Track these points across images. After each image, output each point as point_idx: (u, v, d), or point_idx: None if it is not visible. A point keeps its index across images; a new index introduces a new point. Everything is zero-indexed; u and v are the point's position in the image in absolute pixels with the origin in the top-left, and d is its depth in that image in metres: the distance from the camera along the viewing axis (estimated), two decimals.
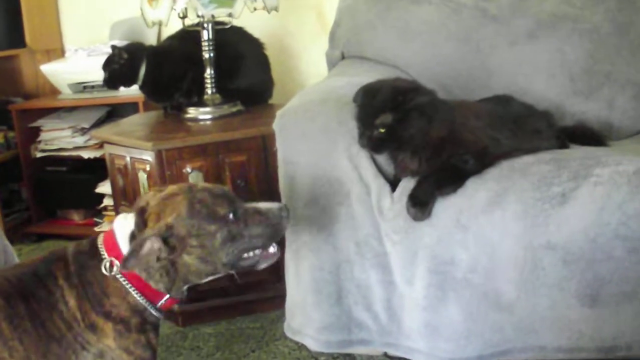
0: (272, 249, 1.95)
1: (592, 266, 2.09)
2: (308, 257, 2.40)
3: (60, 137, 4.13)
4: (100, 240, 1.86)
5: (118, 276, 1.81)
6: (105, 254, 1.82)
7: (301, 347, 2.73)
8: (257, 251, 1.92)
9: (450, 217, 2.17)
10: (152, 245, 1.74)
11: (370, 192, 2.28)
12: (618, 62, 2.89)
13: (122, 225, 1.86)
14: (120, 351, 1.81)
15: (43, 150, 4.18)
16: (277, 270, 2.96)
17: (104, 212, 4.02)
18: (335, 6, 3.40)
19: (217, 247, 1.82)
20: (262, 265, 1.96)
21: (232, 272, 1.92)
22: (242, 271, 1.95)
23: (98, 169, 3.96)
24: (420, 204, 2.16)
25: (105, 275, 1.81)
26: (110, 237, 1.85)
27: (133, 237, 1.81)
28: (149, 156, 2.88)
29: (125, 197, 3.12)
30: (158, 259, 1.76)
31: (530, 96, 2.73)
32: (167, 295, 1.87)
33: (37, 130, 4.21)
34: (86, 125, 4.10)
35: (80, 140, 4.08)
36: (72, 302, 1.78)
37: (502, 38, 3.00)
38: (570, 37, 2.93)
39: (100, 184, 3.99)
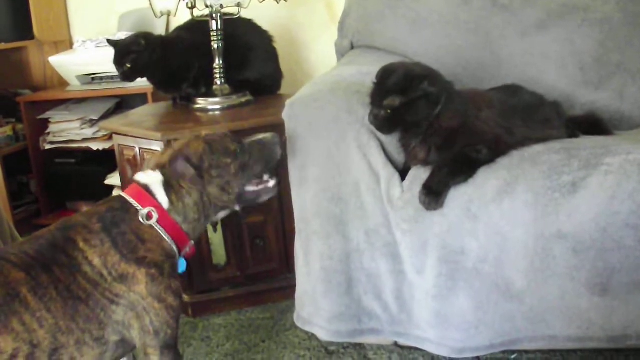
0: (272, 183, 2.19)
1: (602, 255, 2.09)
2: (318, 246, 2.40)
3: (69, 129, 4.13)
4: (126, 196, 2.00)
5: (155, 225, 1.96)
6: (139, 206, 1.96)
7: (311, 337, 2.73)
8: (260, 186, 2.16)
9: (461, 206, 2.17)
10: (186, 164, 2.00)
11: (379, 181, 2.28)
12: (629, 52, 2.88)
13: (150, 178, 2.03)
14: (151, 299, 1.90)
15: (52, 142, 4.18)
16: (286, 260, 2.99)
17: None
18: None
19: (232, 176, 2.07)
20: (264, 198, 2.19)
21: (239, 206, 2.15)
22: (247, 205, 2.18)
23: (107, 160, 3.97)
24: (435, 194, 2.16)
25: (140, 225, 1.95)
26: (140, 190, 2.00)
27: (167, 184, 2.01)
28: (158, 147, 2.87)
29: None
30: (193, 178, 2.00)
31: (541, 86, 2.73)
32: (191, 242, 2.08)
33: (45, 122, 4.21)
34: (95, 117, 4.11)
35: (89, 131, 4.09)
36: (96, 260, 1.85)
37: (512, 28, 2.99)
38: (581, 27, 2.92)
39: (110, 175, 4.00)
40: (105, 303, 1.84)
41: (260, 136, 2.21)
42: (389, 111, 2.14)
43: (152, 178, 2.02)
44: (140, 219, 1.94)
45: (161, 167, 2.04)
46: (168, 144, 2.78)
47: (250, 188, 2.13)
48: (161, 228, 1.97)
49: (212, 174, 2.04)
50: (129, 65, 3.24)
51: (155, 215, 1.96)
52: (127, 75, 3.29)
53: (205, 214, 2.08)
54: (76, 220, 1.93)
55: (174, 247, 2.00)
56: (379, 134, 2.27)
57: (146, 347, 1.94)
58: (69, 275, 1.81)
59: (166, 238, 1.97)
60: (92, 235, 1.88)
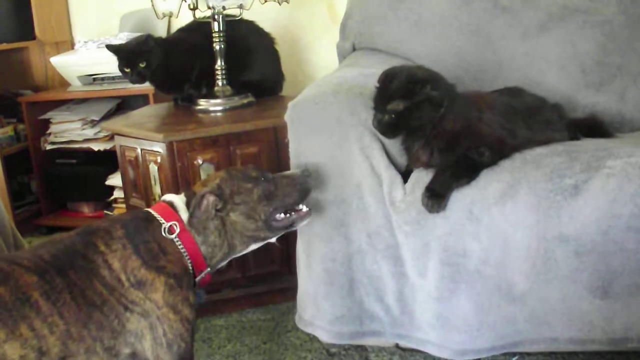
0: (305, 209, 2.20)
1: (604, 258, 2.09)
2: (319, 248, 2.40)
3: (70, 130, 4.13)
4: (152, 211, 2.02)
5: (175, 240, 1.97)
6: (163, 220, 1.99)
7: (313, 338, 2.74)
8: (292, 213, 2.17)
9: (463, 209, 2.17)
10: (208, 199, 2.01)
11: (382, 183, 2.28)
12: (630, 54, 2.88)
13: (174, 197, 2.08)
14: (167, 309, 1.89)
15: (53, 143, 4.19)
16: (288, 262, 2.99)
17: (114, 205, 4.03)
18: None
19: (256, 201, 2.08)
20: (298, 225, 2.21)
21: (272, 237, 2.17)
22: (280, 234, 2.20)
23: (108, 161, 3.97)
24: (437, 196, 2.16)
25: (163, 237, 1.96)
26: (165, 207, 2.04)
27: (188, 204, 2.04)
28: (160, 148, 2.88)
29: (136, 189, 3.13)
30: (215, 211, 2.02)
31: (542, 88, 2.74)
32: (207, 269, 2.05)
33: (46, 123, 4.22)
34: (96, 118, 4.11)
35: (90, 132, 4.09)
36: (116, 264, 1.86)
37: (513, 30, 2.99)
38: (582, 29, 2.92)
39: (111, 176, 4.01)
40: (119, 310, 1.82)
41: (288, 172, 2.23)
42: (392, 116, 2.14)
43: (177, 197, 2.08)
44: (163, 232, 1.96)
45: (186, 191, 2.11)
46: (170, 146, 2.80)
47: (281, 215, 2.14)
48: (180, 244, 1.97)
49: (235, 201, 2.05)
50: (142, 65, 3.24)
51: (177, 230, 1.97)
52: (142, 76, 3.29)
53: (228, 242, 2.08)
54: (98, 226, 1.94)
55: (190, 266, 2.00)
56: (381, 137, 2.27)
57: None
58: (85, 279, 1.80)
59: (184, 255, 1.98)
60: (114, 241, 1.89)
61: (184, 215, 2.02)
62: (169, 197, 2.09)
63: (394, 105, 2.14)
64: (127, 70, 3.26)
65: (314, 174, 2.30)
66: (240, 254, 2.16)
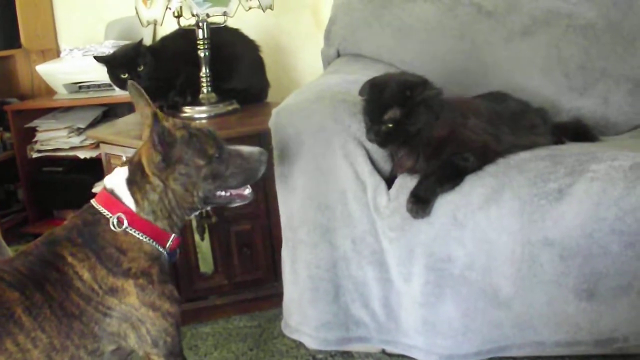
0: (247, 191, 2.08)
1: (589, 261, 2.10)
2: (304, 254, 2.40)
3: (56, 138, 4.12)
4: (96, 204, 1.92)
5: (128, 229, 1.88)
6: (108, 214, 1.89)
7: (299, 345, 2.72)
8: (233, 190, 2.05)
9: (447, 214, 2.17)
10: (154, 157, 1.88)
11: (366, 190, 2.28)
12: (612, 58, 2.90)
13: (114, 181, 1.94)
14: (145, 309, 1.86)
15: (39, 151, 4.17)
16: (274, 268, 2.99)
17: None
18: (331, 4, 3.40)
19: (200, 180, 1.94)
20: (235, 204, 2.09)
21: (207, 207, 2.08)
22: (217, 207, 2.13)
23: (94, 169, 3.95)
24: (422, 202, 2.16)
25: (116, 234, 1.88)
26: (107, 196, 1.92)
27: (130, 183, 1.92)
28: None
29: None
30: (157, 170, 1.88)
31: (526, 93, 2.74)
32: (172, 235, 1.97)
33: (33, 131, 4.19)
34: (82, 126, 4.09)
35: (76, 140, 4.07)
36: (85, 275, 1.81)
37: (497, 34, 3.00)
38: (565, 33, 2.94)
39: (97, 184, 3.98)
40: (98, 317, 1.81)
41: (246, 149, 2.06)
42: (389, 125, 2.14)
43: (116, 179, 1.94)
44: (112, 227, 1.87)
45: (129, 162, 1.97)
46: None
47: (221, 193, 2.03)
48: (135, 231, 1.89)
49: (179, 170, 1.91)
50: (140, 69, 3.23)
51: (125, 220, 1.88)
52: (142, 79, 3.23)
53: (175, 212, 1.97)
54: (59, 234, 1.89)
55: (156, 246, 1.93)
56: (368, 144, 2.27)
57: (149, 356, 1.91)
58: (62, 292, 1.78)
59: (144, 239, 1.90)
60: (78, 249, 1.84)
61: (128, 200, 1.90)
62: (109, 181, 1.95)
63: (392, 114, 2.14)
64: (125, 76, 3.24)
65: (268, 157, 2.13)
66: (189, 218, 2.09)
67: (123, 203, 1.90)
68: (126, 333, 1.86)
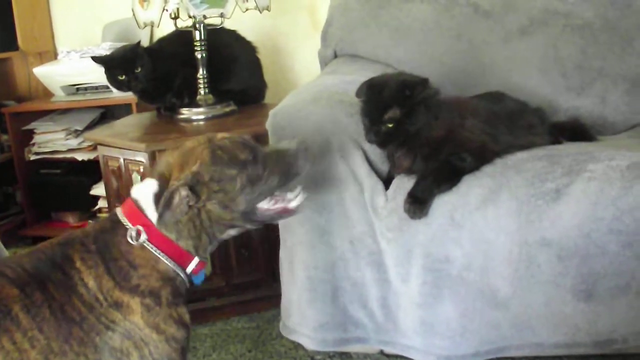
0: (293, 204, 1.92)
1: (586, 261, 2.10)
2: (302, 255, 2.40)
3: (54, 140, 4.11)
4: (119, 212, 1.83)
5: (146, 244, 1.78)
6: (129, 224, 1.79)
7: (297, 346, 2.72)
8: (278, 205, 1.90)
9: (445, 215, 2.17)
10: (180, 194, 1.73)
11: (363, 190, 2.28)
12: (609, 57, 2.90)
13: (142, 192, 1.83)
14: (149, 330, 1.76)
15: (37, 153, 4.17)
16: (272, 269, 2.98)
17: (99, 214, 4.02)
18: (327, 5, 3.40)
19: (237, 190, 1.80)
20: (281, 219, 1.99)
21: (248, 225, 1.89)
22: (262, 224, 1.92)
23: (92, 171, 3.95)
24: (420, 202, 2.16)
25: (132, 247, 1.78)
26: (131, 206, 1.82)
27: (158, 198, 1.77)
28: (142, 157, 2.87)
29: (120, 198, 3.11)
30: (188, 207, 1.75)
31: (524, 92, 2.73)
32: (196, 259, 1.85)
33: (30, 133, 4.19)
34: (80, 128, 4.09)
35: (74, 142, 4.07)
36: (91, 282, 1.74)
37: (494, 34, 3.00)
38: (563, 33, 2.93)
39: (95, 186, 3.99)
40: (100, 328, 1.74)
41: (283, 143, 1.94)
42: (389, 125, 2.14)
43: (144, 190, 1.82)
44: (129, 239, 1.76)
45: (160, 176, 1.83)
46: (153, 155, 2.79)
47: (264, 206, 1.88)
48: (153, 247, 1.78)
49: (213, 188, 1.78)
50: (138, 70, 3.23)
51: (143, 234, 1.77)
52: (140, 80, 3.26)
53: (206, 232, 1.84)
54: (76, 236, 1.81)
55: (173, 267, 1.80)
56: (365, 145, 2.27)
57: None
58: (64, 295, 1.72)
59: (162, 257, 1.79)
60: (89, 255, 1.76)
61: (151, 212, 1.79)
62: (136, 191, 1.84)
63: (392, 114, 2.13)
64: (122, 77, 3.24)
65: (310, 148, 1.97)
66: (223, 239, 1.91)
67: (146, 215, 1.80)
68: (129, 351, 1.77)
